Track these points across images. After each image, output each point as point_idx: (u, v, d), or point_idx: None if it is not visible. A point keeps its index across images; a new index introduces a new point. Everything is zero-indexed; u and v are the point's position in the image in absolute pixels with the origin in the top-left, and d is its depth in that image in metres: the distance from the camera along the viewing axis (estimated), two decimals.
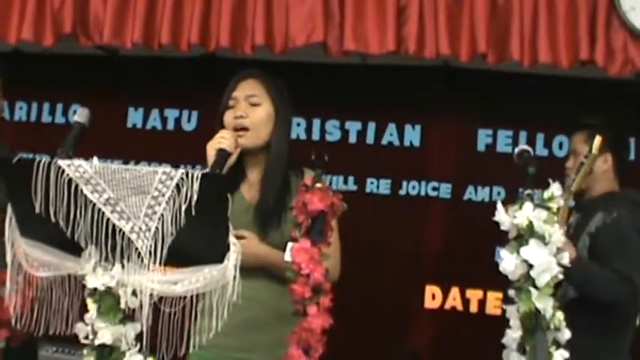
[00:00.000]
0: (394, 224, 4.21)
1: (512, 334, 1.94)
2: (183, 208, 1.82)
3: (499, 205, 2.03)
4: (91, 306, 1.94)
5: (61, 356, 3.98)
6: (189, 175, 1.83)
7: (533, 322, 1.88)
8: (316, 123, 4.35)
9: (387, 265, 4.16)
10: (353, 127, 4.33)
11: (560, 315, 1.92)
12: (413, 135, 4.26)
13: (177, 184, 1.84)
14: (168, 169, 1.86)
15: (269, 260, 2.45)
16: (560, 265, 1.94)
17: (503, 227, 2.00)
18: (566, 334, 1.95)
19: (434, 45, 3.46)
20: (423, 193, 4.23)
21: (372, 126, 4.30)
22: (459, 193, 4.19)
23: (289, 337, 2.22)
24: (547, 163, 4.09)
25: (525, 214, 1.94)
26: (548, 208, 1.98)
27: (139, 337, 1.96)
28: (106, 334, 1.92)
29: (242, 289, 2.39)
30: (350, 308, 4.15)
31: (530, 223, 1.92)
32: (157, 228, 1.84)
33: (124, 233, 1.85)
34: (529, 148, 2.23)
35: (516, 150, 2.22)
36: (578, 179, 2.67)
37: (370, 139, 4.30)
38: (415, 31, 3.47)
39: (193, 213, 1.82)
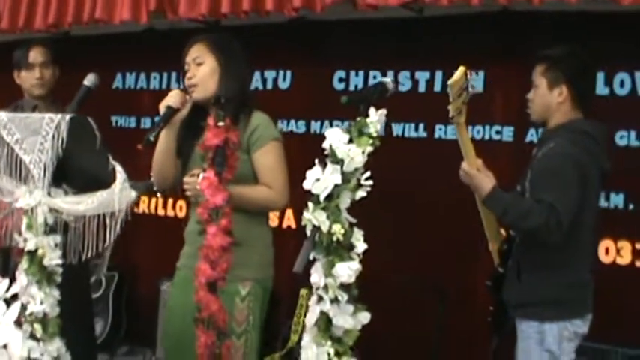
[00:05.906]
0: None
1: (306, 244, 2.18)
2: (59, 144, 2.36)
3: (327, 133, 2.26)
4: (24, 222, 2.56)
5: None
6: (64, 118, 2.36)
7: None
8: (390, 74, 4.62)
9: (446, 211, 4.33)
10: (422, 76, 4.54)
11: (339, 228, 2.11)
12: (476, 81, 4.36)
13: (56, 126, 2.38)
14: (52, 115, 2.41)
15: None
16: (361, 185, 2.15)
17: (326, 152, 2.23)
18: (360, 247, 2.15)
19: None
20: (487, 137, 4.34)
21: (439, 75, 4.48)
22: (522, 136, 4.25)
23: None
24: (607, 101, 4.00)
25: (330, 138, 2.18)
26: (362, 134, 2.19)
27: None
28: (31, 243, 2.52)
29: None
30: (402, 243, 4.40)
31: (331, 145, 2.16)
32: (45, 160, 2.40)
33: (25, 164, 2.44)
34: (387, 80, 2.41)
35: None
36: (452, 106, 2.75)
37: (438, 87, 4.49)
38: None
39: (64, 146, 2.35)
